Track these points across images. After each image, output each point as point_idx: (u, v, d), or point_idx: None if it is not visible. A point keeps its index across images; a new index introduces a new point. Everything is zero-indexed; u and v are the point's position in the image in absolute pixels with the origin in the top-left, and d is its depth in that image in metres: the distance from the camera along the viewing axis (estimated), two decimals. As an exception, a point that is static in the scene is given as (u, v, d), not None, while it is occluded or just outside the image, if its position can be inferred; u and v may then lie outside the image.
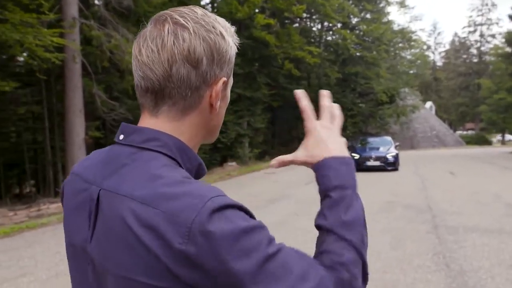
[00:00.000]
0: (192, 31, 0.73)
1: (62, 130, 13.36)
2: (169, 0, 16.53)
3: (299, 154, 0.88)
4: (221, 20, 0.79)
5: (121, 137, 0.79)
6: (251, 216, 0.69)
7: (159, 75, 0.73)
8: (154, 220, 0.64)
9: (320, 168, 0.83)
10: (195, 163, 0.79)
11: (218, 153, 21.59)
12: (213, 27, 0.75)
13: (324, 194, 0.81)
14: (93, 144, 14.99)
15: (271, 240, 0.68)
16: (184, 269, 0.63)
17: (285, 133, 32.03)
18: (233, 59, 0.81)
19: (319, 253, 0.76)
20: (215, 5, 23.23)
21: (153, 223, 0.64)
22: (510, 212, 7.96)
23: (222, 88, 0.79)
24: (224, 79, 0.78)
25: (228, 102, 0.86)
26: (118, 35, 12.31)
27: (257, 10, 22.74)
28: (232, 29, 0.81)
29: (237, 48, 0.82)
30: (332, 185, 0.80)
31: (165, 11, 0.77)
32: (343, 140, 0.89)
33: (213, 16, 0.78)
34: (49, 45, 10.33)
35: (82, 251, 0.76)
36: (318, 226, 0.79)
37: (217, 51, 0.75)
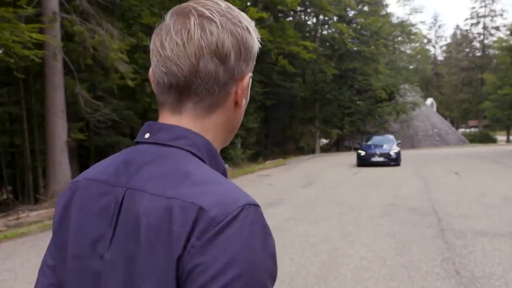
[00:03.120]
0: (219, 25, 0.73)
1: (42, 132, 13.20)
2: (156, -7, 16.44)
3: None
4: (245, 15, 0.80)
5: (147, 135, 0.77)
6: (273, 241, 0.70)
7: (185, 70, 0.72)
8: (185, 215, 0.64)
9: None
10: (221, 168, 0.78)
11: (209, 155, 21.50)
12: (239, 21, 0.76)
13: None
14: (76, 147, 14.84)
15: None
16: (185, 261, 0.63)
17: (279, 133, 32.08)
18: (255, 56, 0.82)
19: None
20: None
21: (184, 217, 0.64)
22: (519, 214, 7.98)
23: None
24: (251, 74, 0.80)
25: (248, 100, 0.85)
26: (102, 30, 12.18)
27: (249, 3, 22.70)
28: (253, 23, 0.81)
29: (260, 43, 0.82)
30: None
31: (187, 3, 0.77)
32: None
33: (237, 10, 0.79)
34: (27, 41, 10.17)
35: (98, 259, 0.73)
36: None
37: (244, 46, 0.76)
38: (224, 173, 0.78)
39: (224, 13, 0.74)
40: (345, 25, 30.22)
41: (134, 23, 15.89)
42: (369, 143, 21.20)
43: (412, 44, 39.55)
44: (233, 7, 0.78)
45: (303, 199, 10.60)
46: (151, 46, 0.76)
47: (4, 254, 6.62)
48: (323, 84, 30.51)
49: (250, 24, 0.79)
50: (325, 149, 34.30)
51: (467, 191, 11.00)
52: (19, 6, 10.22)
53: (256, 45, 0.80)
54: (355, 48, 30.92)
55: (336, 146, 35.31)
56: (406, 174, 15.75)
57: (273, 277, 0.67)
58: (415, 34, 38.66)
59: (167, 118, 0.78)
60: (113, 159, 0.80)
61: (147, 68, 0.86)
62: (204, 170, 0.71)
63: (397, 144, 20.56)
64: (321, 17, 31.92)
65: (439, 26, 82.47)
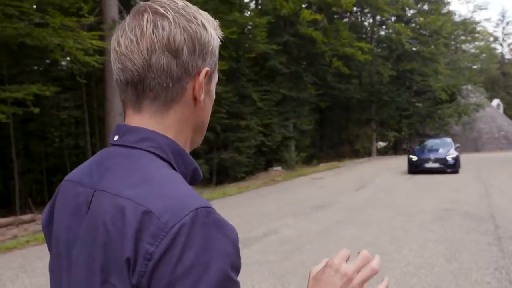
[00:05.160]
0: (172, 20, 0.74)
1: (103, 135, 13.85)
2: (211, -1, 16.78)
3: None
4: (203, 13, 0.81)
5: (116, 137, 0.79)
6: (232, 231, 0.68)
7: (138, 65, 0.74)
8: (135, 216, 0.65)
9: None
10: (190, 167, 0.79)
11: (263, 157, 21.65)
12: (194, 17, 0.77)
13: None
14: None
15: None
16: (140, 268, 0.63)
17: (334, 135, 31.70)
18: (216, 52, 0.82)
19: None
20: (260, 1, 23.35)
21: (133, 218, 0.65)
22: None
23: (206, 81, 0.80)
24: (207, 69, 0.79)
25: (213, 98, 0.87)
26: (157, 36, 12.61)
27: (303, 6, 22.65)
28: (216, 22, 0.82)
29: (221, 41, 0.83)
30: None
31: (145, 2, 0.79)
32: None
33: (195, 7, 0.80)
34: (89, 48, 10.74)
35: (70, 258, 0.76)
36: None
37: (198, 41, 0.76)
38: (194, 172, 0.80)
39: (178, 10, 0.76)
40: (403, 25, 29.37)
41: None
42: (422, 147, 18.97)
43: (476, 43, 37.76)
44: (190, 5, 0.79)
45: (353, 202, 10.42)
46: (111, 44, 0.79)
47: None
48: (380, 86, 29.80)
49: (209, 22, 0.80)
50: (382, 152, 33.47)
51: (531, 197, 10.38)
52: (82, 15, 10.79)
53: (213, 41, 0.80)
54: (413, 49, 29.94)
55: (394, 149, 34.35)
56: (465, 178, 15.06)
57: (235, 269, 0.66)
58: (479, 32, 36.88)
59: (130, 117, 0.79)
60: (91, 160, 0.83)
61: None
62: (164, 172, 0.72)
63: (456, 148, 17.93)
64: (377, 17, 31.20)
65: (507, 23, 78.03)
